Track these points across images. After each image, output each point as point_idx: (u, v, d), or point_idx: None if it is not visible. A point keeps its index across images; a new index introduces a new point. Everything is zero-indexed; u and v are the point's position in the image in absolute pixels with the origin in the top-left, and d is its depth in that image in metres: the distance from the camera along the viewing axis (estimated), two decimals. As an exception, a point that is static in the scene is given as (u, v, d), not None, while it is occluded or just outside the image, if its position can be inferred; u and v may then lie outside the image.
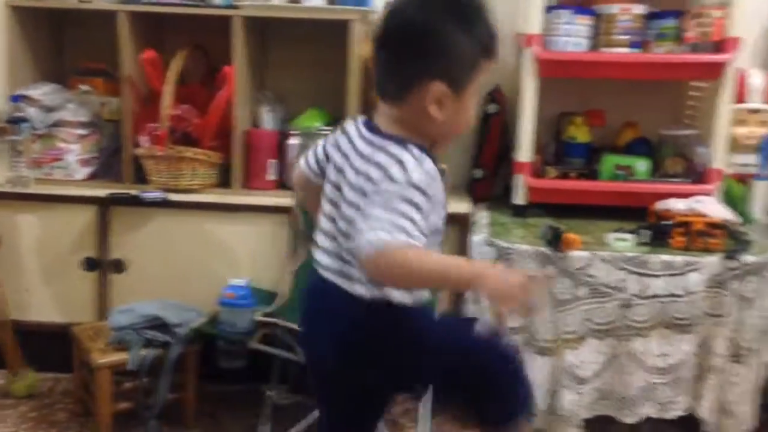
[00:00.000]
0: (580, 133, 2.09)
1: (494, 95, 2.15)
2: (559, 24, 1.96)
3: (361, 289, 1.14)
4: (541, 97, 1.96)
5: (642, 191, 1.94)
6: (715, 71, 1.91)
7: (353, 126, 1.20)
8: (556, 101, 2.10)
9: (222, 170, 2.07)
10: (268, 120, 2.11)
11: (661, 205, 1.86)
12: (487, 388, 1.23)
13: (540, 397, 1.75)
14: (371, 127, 1.17)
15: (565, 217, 1.95)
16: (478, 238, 1.81)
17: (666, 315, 1.73)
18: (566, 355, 1.75)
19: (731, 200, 1.98)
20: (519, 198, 1.99)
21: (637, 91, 2.15)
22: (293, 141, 2.05)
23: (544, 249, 1.75)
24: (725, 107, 1.93)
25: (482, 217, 1.98)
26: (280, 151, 2.07)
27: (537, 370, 1.74)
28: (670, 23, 1.98)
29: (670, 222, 1.80)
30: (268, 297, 1.81)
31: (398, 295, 1.15)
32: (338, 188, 1.17)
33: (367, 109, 2.06)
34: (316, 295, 1.23)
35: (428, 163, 1.10)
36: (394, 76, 1.13)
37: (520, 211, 1.99)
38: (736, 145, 2.03)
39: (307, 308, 1.26)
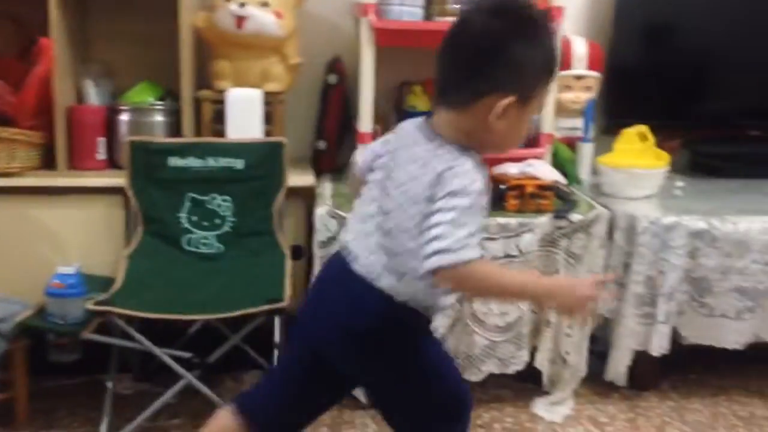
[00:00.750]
0: (420, 102, 2.12)
1: (334, 66, 2.13)
2: (393, -7, 1.96)
3: (388, 287, 1.16)
4: (380, 67, 1.96)
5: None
6: (540, 39, 1.99)
7: (410, 127, 1.22)
8: (397, 70, 2.11)
9: (45, 151, 1.92)
10: (93, 95, 1.97)
11: (497, 169, 1.93)
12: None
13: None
14: (429, 131, 1.17)
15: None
16: (321, 210, 1.79)
17: (504, 275, 1.81)
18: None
19: (560, 163, 2.09)
20: (362, 168, 2.00)
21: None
22: (124, 117, 1.94)
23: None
24: (552, 74, 2.03)
25: (326, 188, 1.97)
26: (109, 128, 1.95)
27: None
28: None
29: (505, 186, 1.87)
30: (101, 284, 1.70)
31: (421, 300, 1.18)
32: (385, 189, 1.19)
33: (203, 80, 2.00)
34: (337, 283, 1.22)
35: (483, 173, 1.14)
36: (462, 85, 1.14)
37: (363, 182, 2.00)
38: (564, 110, 2.14)
39: (322, 291, 1.27)
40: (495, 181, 1.91)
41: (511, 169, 1.91)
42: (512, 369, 1.85)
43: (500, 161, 1.94)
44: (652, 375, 1.97)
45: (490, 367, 1.84)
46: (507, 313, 1.82)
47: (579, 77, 2.15)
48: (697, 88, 2.32)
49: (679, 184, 2.12)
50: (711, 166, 2.28)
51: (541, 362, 1.87)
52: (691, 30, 2.27)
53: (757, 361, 2.05)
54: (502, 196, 1.85)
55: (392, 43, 1.97)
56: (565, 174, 2.02)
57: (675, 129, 2.30)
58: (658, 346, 1.87)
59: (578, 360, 1.89)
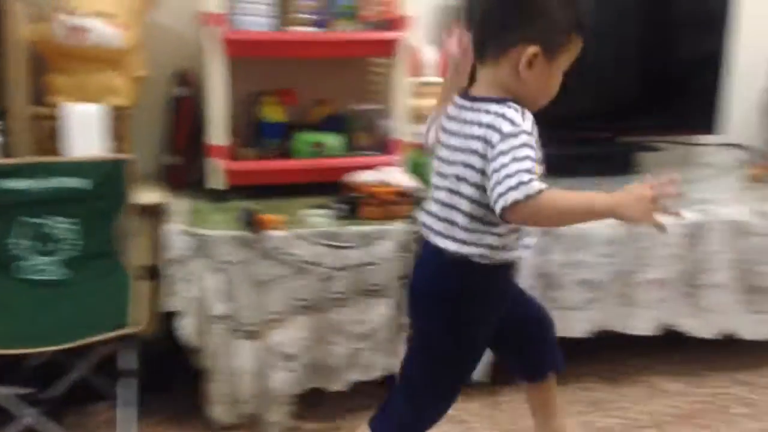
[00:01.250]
0: (274, 113, 2.10)
1: (183, 78, 2.07)
2: (241, 2, 1.93)
3: (454, 247, 1.28)
4: (232, 78, 1.93)
5: (335, 166, 2.01)
6: (390, 48, 2.02)
7: (452, 106, 1.33)
8: (249, 81, 2.08)
9: None
10: None
11: (351, 178, 1.95)
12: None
13: (249, 383, 1.75)
14: (469, 96, 1.30)
15: (265, 198, 1.96)
16: (172, 227, 1.74)
17: (363, 283, 1.82)
18: (273, 335, 1.77)
19: (416, 168, 2.12)
20: (216, 183, 1.96)
21: (327, 69, 2.21)
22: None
23: (241, 233, 1.73)
24: (402, 82, 2.07)
25: (178, 205, 1.91)
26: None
27: (244, 355, 1.74)
28: (348, 2, 2.05)
29: (361, 194, 1.88)
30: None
31: (487, 254, 1.27)
32: (446, 160, 1.30)
33: (40, 96, 1.89)
34: (422, 256, 1.37)
35: (528, 113, 1.23)
36: (494, 38, 1.25)
37: (218, 197, 1.96)
38: (417, 117, 2.18)
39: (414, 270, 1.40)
40: (351, 189, 1.92)
41: (366, 176, 1.93)
42: (374, 375, 1.87)
43: (354, 169, 1.96)
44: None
45: (353, 376, 1.85)
46: (367, 321, 1.84)
47: (430, 84, 2.20)
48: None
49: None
50: (557, 167, 2.38)
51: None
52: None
53: (605, 348, 2.17)
54: (357, 204, 1.87)
55: (243, 53, 1.94)
56: (422, 180, 2.06)
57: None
58: (514, 342, 1.95)
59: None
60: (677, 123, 2.51)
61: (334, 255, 1.79)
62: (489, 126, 1.21)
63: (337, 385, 1.84)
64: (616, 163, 2.42)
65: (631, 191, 1.18)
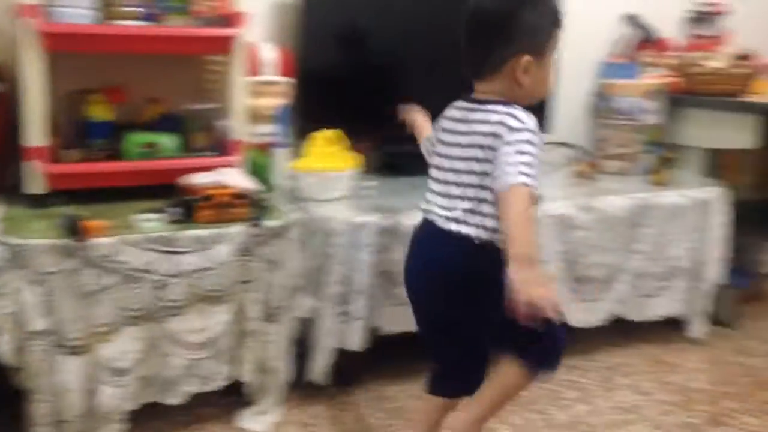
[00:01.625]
0: (100, 112, 1.97)
1: (-4, 73, 1.91)
2: (59, -7, 1.80)
3: (470, 231, 1.40)
4: (53, 74, 1.79)
5: (169, 168, 1.92)
6: (225, 45, 1.96)
7: (452, 109, 1.50)
8: (73, 78, 1.95)
9: None
10: None
11: (187, 180, 1.87)
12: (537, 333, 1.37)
13: (75, 401, 1.64)
14: (474, 100, 1.45)
15: (92, 203, 1.83)
16: (-18, 237, 1.59)
17: (200, 289, 1.75)
18: (101, 349, 1.66)
19: (256, 169, 2.08)
20: (34, 187, 1.81)
21: (159, 66, 2.11)
22: None
23: (63, 241, 1.61)
24: (240, 80, 2.01)
25: (-7, 212, 1.75)
26: None
27: (70, 372, 1.62)
28: (179, -4, 1.96)
29: (197, 197, 1.81)
30: None
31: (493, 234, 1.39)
32: (448, 156, 1.46)
33: None
34: (430, 240, 1.48)
35: (531, 114, 1.37)
36: (487, 58, 1.41)
37: (38, 202, 1.81)
38: (257, 116, 2.13)
39: (417, 251, 1.54)
40: (186, 191, 1.84)
41: (202, 178, 1.86)
42: (216, 385, 1.81)
43: (190, 171, 1.88)
44: (354, 370, 2.05)
45: (192, 387, 1.78)
46: (206, 329, 1.77)
47: (269, 83, 2.15)
48: (387, 92, 2.45)
49: (370, 184, 2.22)
50: (398, 166, 2.42)
51: (246, 374, 1.84)
52: (379, 33, 2.38)
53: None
54: (193, 207, 1.79)
55: (62, 47, 1.80)
56: (261, 181, 2.02)
57: (368, 132, 2.41)
58: (357, 341, 1.95)
59: (283, 366, 1.89)
60: (511, 122, 2.61)
61: (168, 261, 1.71)
62: (498, 123, 1.35)
63: (174, 398, 1.76)
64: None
65: (541, 282, 1.22)
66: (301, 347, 1.96)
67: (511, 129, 1.34)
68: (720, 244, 2.34)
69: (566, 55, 2.65)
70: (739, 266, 2.55)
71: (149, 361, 1.73)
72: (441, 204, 1.47)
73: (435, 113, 2.54)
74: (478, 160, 1.39)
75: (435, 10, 2.42)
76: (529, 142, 1.33)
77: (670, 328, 2.40)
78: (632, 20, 2.76)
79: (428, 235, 1.50)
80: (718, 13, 2.83)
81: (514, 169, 1.29)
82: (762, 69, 2.61)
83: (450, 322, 1.52)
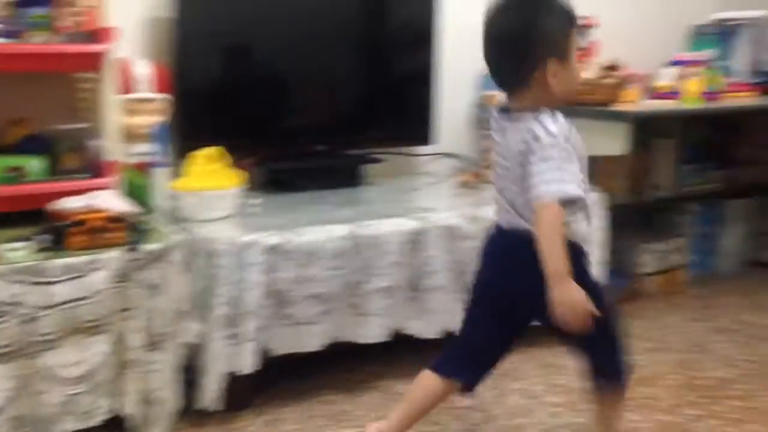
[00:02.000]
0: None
1: None
2: None
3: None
4: None
5: (37, 192, 1.81)
6: (93, 62, 1.87)
7: (493, 120, 1.57)
8: None
9: None
10: None
11: (56, 205, 1.76)
12: (608, 342, 1.60)
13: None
14: (509, 114, 1.51)
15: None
16: None
17: (75, 321, 1.65)
18: (-36, 391, 1.53)
19: (133, 191, 1.99)
20: None
21: (24, 85, 1.99)
22: None
23: None
24: (112, 98, 1.92)
25: None
26: None
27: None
28: (41, 11, 1.86)
29: (67, 222, 1.71)
30: None
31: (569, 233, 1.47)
32: (501, 166, 1.54)
33: None
34: (498, 241, 1.59)
35: (560, 117, 1.45)
36: (515, 73, 1.47)
37: None
38: (132, 135, 2.04)
39: (488, 252, 1.62)
40: (57, 217, 1.73)
41: (74, 203, 1.76)
42: (96, 421, 1.70)
43: (60, 195, 1.77)
44: (246, 393, 1.99)
45: (69, 425, 1.66)
46: (84, 361, 1.67)
47: (144, 100, 2.07)
48: (269, 107, 2.42)
49: (255, 201, 2.17)
50: (284, 182, 2.39)
51: (128, 406, 1.75)
52: (257, 45, 2.34)
53: (341, 359, 2.20)
54: (62, 233, 1.69)
55: None
56: (139, 203, 1.93)
57: (250, 148, 2.36)
58: (248, 364, 1.89)
59: (170, 395, 1.81)
60: (396, 135, 2.64)
61: (38, 292, 1.60)
62: (527, 132, 1.44)
63: (49, 438, 1.65)
64: (342, 176, 2.49)
65: (581, 296, 1.42)
66: (190, 373, 1.88)
67: (537, 138, 1.43)
68: (599, 248, 2.44)
69: (447, 66, 2.72)
70: (618, 268, 2.67)
71: (21, 400, 1.61)
72: (503, 208, 1.57)
73: (318, 124, 2.55)
74: (521, 164, 1.47)
75: (315, 20, 2.41)
76: (553, 146, 1.42)
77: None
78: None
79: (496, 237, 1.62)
80: (587, 26, 2.97)
81: (539, 180, 1.41)
82: (628, 79, 2.75)
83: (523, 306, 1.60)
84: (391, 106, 2.60)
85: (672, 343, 2.49)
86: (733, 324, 2.63)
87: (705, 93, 2.81)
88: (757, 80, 3.17)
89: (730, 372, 2.25)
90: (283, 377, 2.11)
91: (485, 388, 2.15)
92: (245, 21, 2.30)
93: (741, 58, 3.21)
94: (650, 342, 2.41)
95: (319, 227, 1.98)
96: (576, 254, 1.50)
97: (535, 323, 1.62)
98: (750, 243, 3.25)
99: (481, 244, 1.67)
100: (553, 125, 1.44)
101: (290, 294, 1.94)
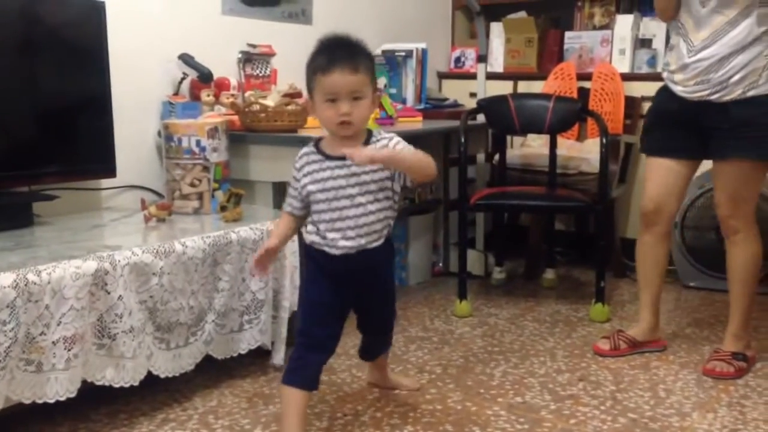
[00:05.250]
0: None
1: None
2: None
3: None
4: None
5: None
6: None
7: None
8: None
9: None
10: None
11: None
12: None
13: None
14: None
15: None
16: None
17: None
18: None
19: None
20: None
21: None
22: None
23: None
24: None
25: None
26: None
27: None
28: None
29: None
30: None
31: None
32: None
33: None
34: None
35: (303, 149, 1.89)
36: None
37: None
38: None
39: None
40: None
41: None
42: None
43: None
44: None
45: None
46: None
47: None
48: None
49: None
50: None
51: None
52: None
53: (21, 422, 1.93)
54: None
55: None
56: None
57: None
58: None
59: None
60: (72, 168, 2.40)
61: None
62: None
63: None
64: (8, 216, 2.20)
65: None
66: None
67: None
68: (297, 274, 2.45)
69: (126, 94, 2.56)
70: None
71: None
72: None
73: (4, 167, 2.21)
74: None
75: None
76: (293, 177, 1.87)
77: (261, 359, 2.43)
78: (186, 60, 2.76)
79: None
80: (266, 54, 3.02)
81: None
82: (309, 105, 2.84)
83: None
84: (65, 136, 2.36)
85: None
86: (422, 332, 2.83)
87: (378, 119, 3.02)
88: (420, 106, 3.51)
89: (424, 377, 2.41)
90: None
91: (189, 431, 2.04)
92: None
93: (407, 86, 3.53)
94: (355, 358, 2.47)
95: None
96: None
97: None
98: (434, 254, 3.55)
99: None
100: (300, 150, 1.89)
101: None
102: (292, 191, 1.87)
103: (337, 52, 1.74)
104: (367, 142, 1.81)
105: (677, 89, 2.35)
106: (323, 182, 1.80)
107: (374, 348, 2.19)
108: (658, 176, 2.45)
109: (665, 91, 2.42)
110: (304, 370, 1.84)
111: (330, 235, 1.82)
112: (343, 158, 1.75)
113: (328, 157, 1.81)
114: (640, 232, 2.56)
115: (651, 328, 2.60)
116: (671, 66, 2.37)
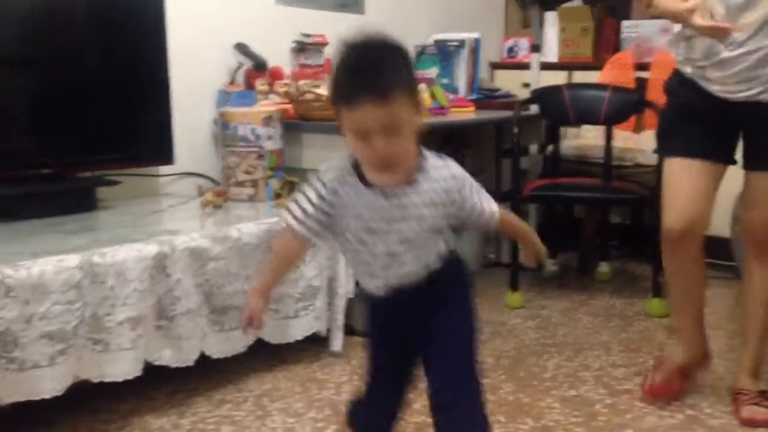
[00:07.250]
0: None
1: None
2: None
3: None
4: None
5: None
6: None
7: None
8: None
9: None
10: None
11: None
12: None
13: None
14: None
15: None
16: None
17: None
18: None
19: None
20: None
21: None
22: None
23: None
24: None
25: None
26: None
27: None
28: None
29: None
30: None
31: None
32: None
33: None
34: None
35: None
36: None
37: None
38: None
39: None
40: None
41: None
42: None
43: None
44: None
45: None
46: None
47: None
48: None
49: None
50: (2, 210, 2.11)
51: None
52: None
53: (89, 399, 1.99)
54: None
55: None
56: None
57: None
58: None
59: None
60: (132, 155, 2.46)
61: None
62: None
63: None
64: (73, 201, 2.26)
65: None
66: None
67: None
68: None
69: (183, 83, 2.60)
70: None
71: None
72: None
73: (42, 145, 2.29)
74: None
75: (40, 30, 2.19)
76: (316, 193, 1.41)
77: (314, 345, 2.46)
78: (242, 49, 2.80)
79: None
80: (320, 44, 3.04)
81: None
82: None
83: None
84: (126, 124, 2.42)
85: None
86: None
87: (431, 108, 3.01)
88: (473, 96, 3.48)
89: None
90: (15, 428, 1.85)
91: (245, 413, 2.07)
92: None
93: (460, 76, 3.51)
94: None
95: (47, 258, 1.77)
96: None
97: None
98: (486, 246, 3.53)
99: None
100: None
101: (16, 335, 1.70)
102: (309, 207, 1.39)
103: (362, 78, 1.30)
104: (419, 168, 1.38)
105: (714, 88, 1.96)
106: (359, 218, 1.38)
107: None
108: (686, 182, 2.03)
109: (688, 88, 2.03)
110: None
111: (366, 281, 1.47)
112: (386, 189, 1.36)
113: (368, 185, 1.37)
114: (666, 255, 2.16)
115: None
116: (698, 61, 1.98)
